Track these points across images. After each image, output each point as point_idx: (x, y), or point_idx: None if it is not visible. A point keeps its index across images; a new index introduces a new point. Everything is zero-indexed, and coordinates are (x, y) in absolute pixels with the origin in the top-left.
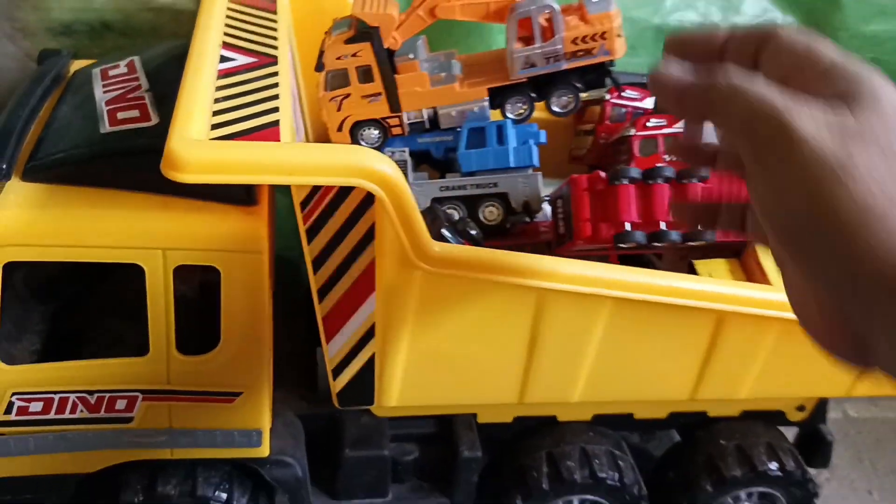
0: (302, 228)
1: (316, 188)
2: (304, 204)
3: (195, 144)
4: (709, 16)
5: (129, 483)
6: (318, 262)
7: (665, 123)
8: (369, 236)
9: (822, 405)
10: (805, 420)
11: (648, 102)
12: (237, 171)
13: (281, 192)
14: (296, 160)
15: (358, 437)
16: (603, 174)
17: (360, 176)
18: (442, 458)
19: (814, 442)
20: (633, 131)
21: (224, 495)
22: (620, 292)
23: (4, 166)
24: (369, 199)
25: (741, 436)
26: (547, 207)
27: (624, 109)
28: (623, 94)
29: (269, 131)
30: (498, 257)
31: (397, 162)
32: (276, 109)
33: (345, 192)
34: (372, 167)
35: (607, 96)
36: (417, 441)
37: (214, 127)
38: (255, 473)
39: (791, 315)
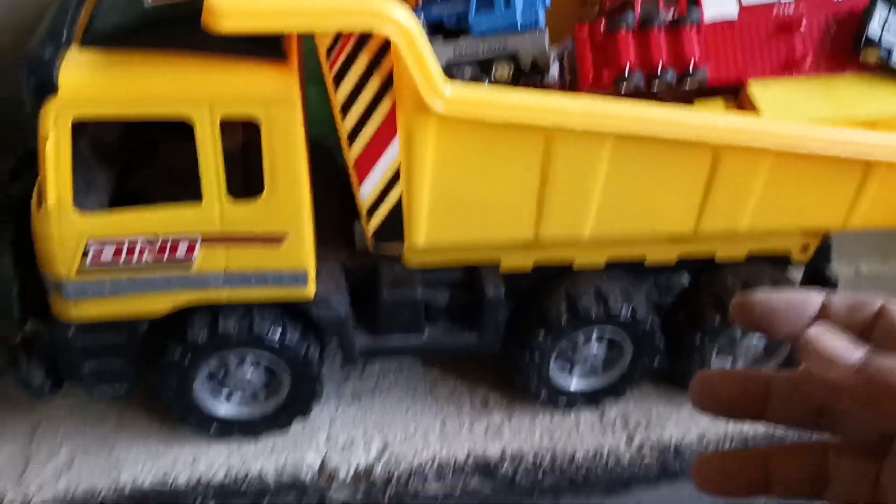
0: (328, 76)
1: (338, 37)
2: (329, 52)
3: None
4: None
5: (193, 324)
6: (345, 109)
7: None
8: (389, 82)
9: (825, 246)
10: (809, 261)
11: None
12: (266, 18)
13: (312, 83)
14: (317, 6)
15: (393, 281)
16: (602, 22)
17: (375, 20)
18: (470, 302)
19: (818, 282)
20: None
21: (277, 333)
22: (620, 127)
23: (64, 37)
24: (387, 46)
25: (746, 275)
26: (555, 67)
27: None
28: None
29: None
30: (504, 95)
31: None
32: None
33: (364, 39)
34: (386, 12)
35: None
36: (447, 287)
37: None
38: (304, 316)
39: (783, 146)
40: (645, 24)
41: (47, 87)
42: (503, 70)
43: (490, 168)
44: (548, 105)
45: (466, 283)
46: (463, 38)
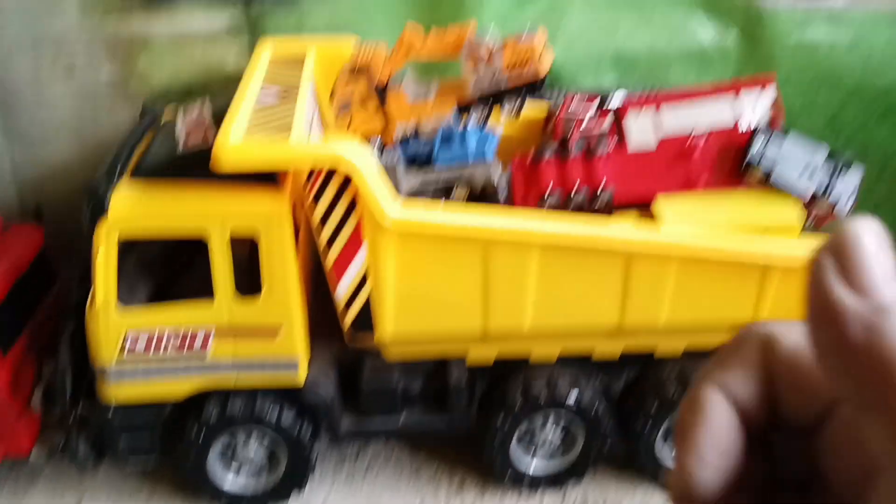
0: (307, 198)
1: (311, 170)
2: (306, 182)
3: (231, 146)
4: (656, 41)
5: (208, 405)
6: (322, 223)
7: (595, 123)
8: (353, 204)
9: None
10: None
11: (592, 110)
12: (256, 162)
13: None
14: (293, 152)
15: (373, 372)
16: (530, 155)
17: (336, 162)
18: (440, 389)
19: None
20: (571, 130)
21: (276, 414)
22: (543, 239)
23: (117, 174)
24: (349, 178)
25: (682, 367)
26: (503, 188)
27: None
28: (572, 104)
29: (281, 137)
30: (442, 218)
31: (390, 163)
32: (290, 124)
33: (332, 172)
34: (344, 156)
35: (560, 107)
36: (421, 376)
37: (247, 136)
38: (299, 399)
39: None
40: (564, 155)
41: (100, 211)
42: (461, 192)
43: (441, 271)
44: (479, 222)
45: (437, 372)
46: (431, 169)
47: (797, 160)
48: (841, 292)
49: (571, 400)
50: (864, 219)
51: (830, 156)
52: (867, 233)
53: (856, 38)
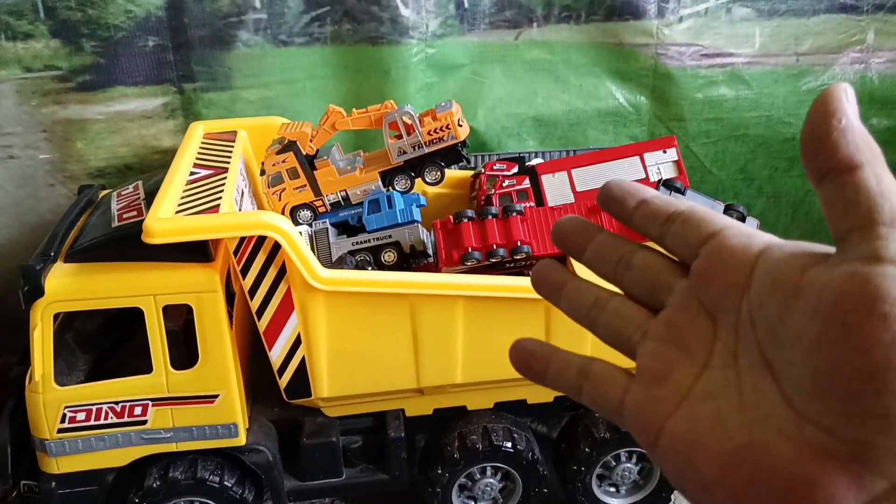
0: (236, 268)
1: (241, 240)
2: (235, 252)
3: (160, 219)
4: (573, 105)
5: (149, 472)
6: (252, 292)
7: (515, 183)
8: (283, 270)
9: None
10: None
11: (512, 172)
12: (186, 233)
13: None
14: (221, 223)
15: (313, 431)
16: (451, 217)
17: (264, 229)
18: (379, 444)
19: None
20: (493, 191)
21: (217, 478)
22: (465, 291)
23: (52, 254)
24: (278, 245)
25: None
26: (430, 250)
27: (496, 178)
28: (494, 167)
29: (210, 210)
30: (369, 275)
31: (321, 230)
32: (219, 199)
33: (261, 240)
34: (272, 223)
35: (483, 170)
36: (361, 433)
37: (178, 211)
38: (241, 463)
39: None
40: (482, 216)
41: (36, 290)
42: (390, 255)
43: (372, 330)
44: (404, 278)
45: (376, 428)
46: (361, 233)
47: None
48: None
49: (507, 448)
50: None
51: (727, 210)
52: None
53: (757, 94)
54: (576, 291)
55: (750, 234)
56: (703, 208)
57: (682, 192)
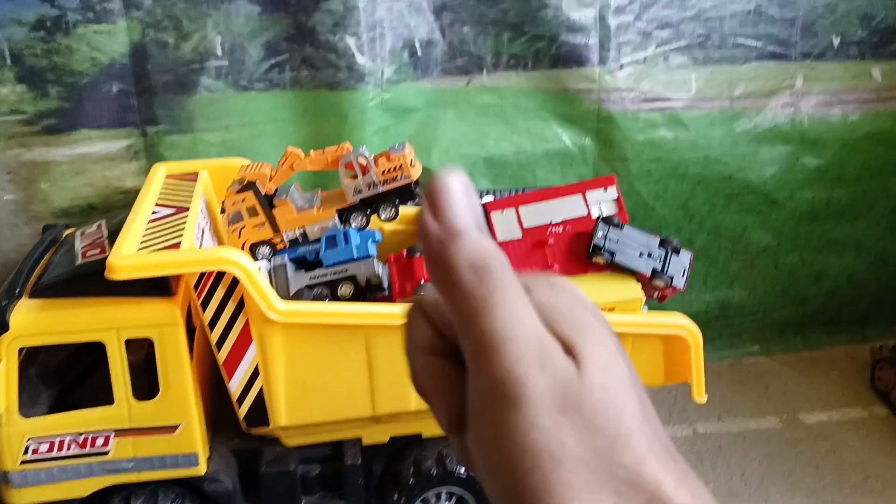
0: (195, 302)
1: (202, 275)
2: (195, 286)
3: (123, 256)
4: (522, 146)
5: (111, 503)
6: (212, 324)
7: None
8: (242, 303)
9: None
10: None
11: None
12: (147, 269)
13: None
14: (182, 258)
15: (272, 459)
16: (405, 252)
17: (223, 264)
18: (338, 472)
19: None
20: None
21: None
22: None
23: (17, 291)
24: (236, 280)
25: None
26: (386, 284)
27: None
28: None
29: (172, 248)
30: (325, 307)
31: (280, 265)
32: (180, 236)
33: (220, 276)
34: (230, 258)
35: None
36: (319, 461)
37: (140, 249)
38: (201, 492)
39: None
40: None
41: (2, 326)
42: (346, 288)
43: (328, 360)
44: (360, 310)
45: (334, 456)
46: (318, 268)
47: (635, 244)
48: (429, 221)
49: (461, 473)
50: (452, 168)
51: (661, 243)
52: (452, 178)
53: (695, 136)
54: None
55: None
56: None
57: (620, 228)
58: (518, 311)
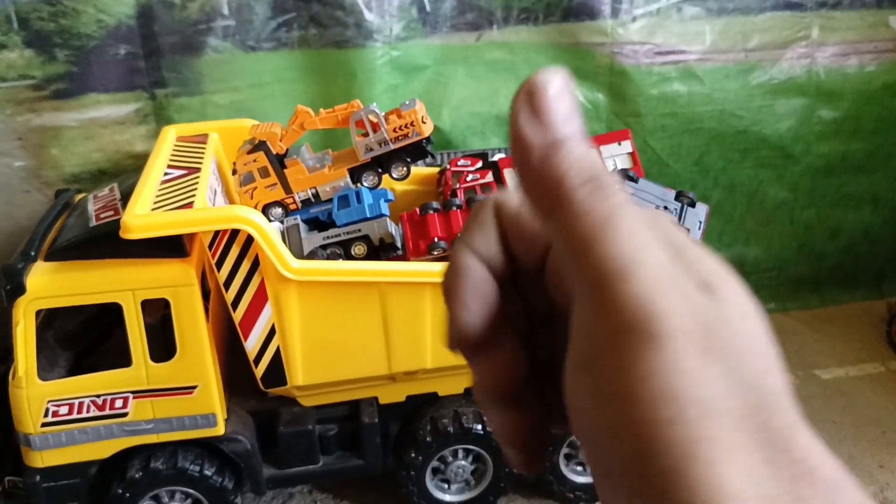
0: (211, 261)
1: (216, 234)
2: (210, 246)
3: (137, 216)
4: None
5: (131, 464)
6: (227, 284)
7: (479, 177)
8: (256, 262)
9: None
10: None
11: (476, 167)
12: (162, 228)
13: None
14: (196, 217)
15: (290, 420)
16: (417, 210)
17: (237, 222)
18: (355, 431)
19: None
20: (458, 185)
21: (198, 467)
22: (436, 279)
23: (32, 254)
24: (251, 238)
25: None
26: (399, 242)
27: (461, 173)
28: (459, 163)
29: (185, 207)
30: (340, 265)
31: (293, 226)
32: (193, 196)
33: (234, 234)
34: (244, 216)
35: (448, 166)
36: (336, 421)
37: (154, 209)
38: (220, 452)
39: None
40: (447, 208)
41: (18, 289)
42: (360, 248)
43: (344, 318)
44: (375, 267)
45: (351, 415)
46: (331, 228)
47: (651, 198)
48: (527, 125)
49: (478, 430)
50: (551, 68)
51: (677, 196)
52: (555, 76)
53: (710, 89)
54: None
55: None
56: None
57: (636, 181)
58: (644, 234)
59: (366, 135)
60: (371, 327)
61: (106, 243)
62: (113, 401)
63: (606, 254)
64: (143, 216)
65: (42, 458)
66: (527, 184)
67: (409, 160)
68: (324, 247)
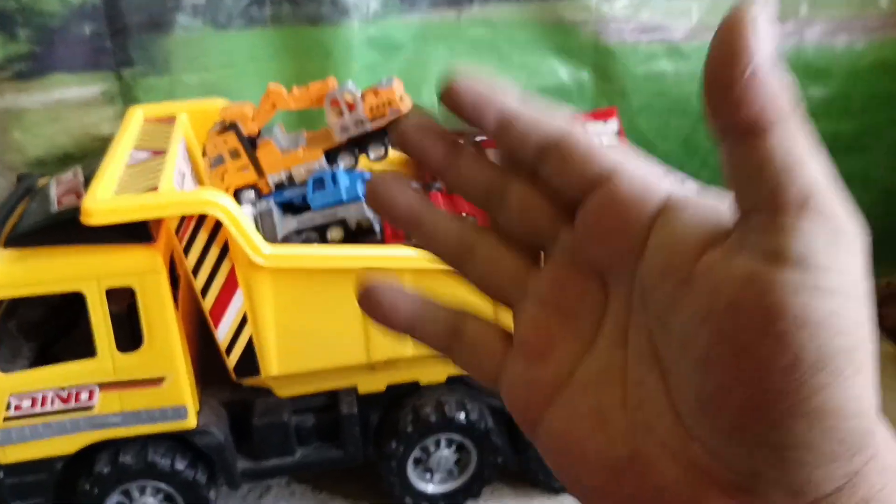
0: (178, 248)
1: (182, 219)
2: (176, 231)
3: (99, 200)
4: (517, 82)
5: (99, 458)
6: (195, 271)
7: None
8: (226, 248)
9: None
10: None
11: None
12: (124, 213)
13: None
14: (160, 201)
15: (264, 411)
16: None
17: (204, 206)
18: (333, 422)
19: None
20: None
21: (169, 461)
22: (415, 265)
23: None
24: (220, 223)
25: None
26: (377, 226)
27: None
28: None
29: (149, 192)
30: (314, 250)
31: (266, 210)
32: (157, 180)
33: (202, 219)
34: (213, 200)
35: None
36: (314, 411)
37: (117, 193)
38: (192, 446)
39: None
40: (427, 190)
41: None
42: (336, 233)
43: (320, 305)
44: (351, 252)
45: (328, 406)
46: (306, 212)
47: None
48: (754, 39)
49: (460, 419)
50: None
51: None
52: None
53: (697, 68)
54: (433, 227)
55: (647, 181)
56: (584, 134)
57: None
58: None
59: (341, 114)
60: (348, 315)
61: (68, 229)
62: (78, 393)
63: (820, 168)
64: (104, 201)
65: (5, 454)
66: (740, 94)
67: (387, 140)
68: (298, 232)
